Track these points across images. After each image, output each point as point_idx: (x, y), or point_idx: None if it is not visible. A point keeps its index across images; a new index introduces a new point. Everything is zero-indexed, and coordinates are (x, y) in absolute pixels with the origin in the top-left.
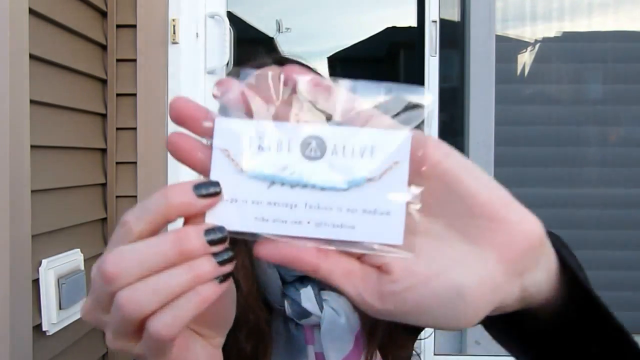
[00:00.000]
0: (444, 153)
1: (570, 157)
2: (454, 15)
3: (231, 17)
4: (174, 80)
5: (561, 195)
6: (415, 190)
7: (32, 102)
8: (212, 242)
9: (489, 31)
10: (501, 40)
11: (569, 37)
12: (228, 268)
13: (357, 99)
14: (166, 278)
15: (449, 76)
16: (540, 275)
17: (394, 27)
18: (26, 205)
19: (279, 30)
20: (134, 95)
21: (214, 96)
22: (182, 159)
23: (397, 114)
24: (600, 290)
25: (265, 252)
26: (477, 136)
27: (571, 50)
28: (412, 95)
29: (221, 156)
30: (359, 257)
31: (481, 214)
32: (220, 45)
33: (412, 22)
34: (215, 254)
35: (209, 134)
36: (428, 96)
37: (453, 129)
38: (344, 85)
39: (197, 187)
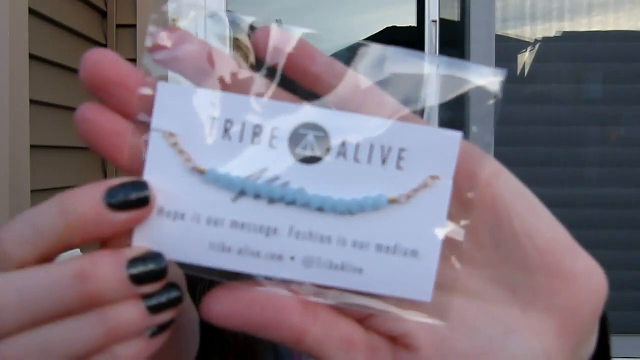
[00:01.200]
0: (494, 170)
1: (570, 157)
2: (454, 15)
3: None
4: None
5: (561, 195)
6: (458, 223)
7: (32, 102)
8: (139, 279)
9: (489, 31)
10: (501, 40)
11: (569, 37)
12: (167, 316)
13: (362, 78)
14: (62, 332)
15: None
16: (592, 344)
17: (394, 27)
18: (26, 205)
19: None
20: None
21: (153, 49)
22: (99, 147)
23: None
24: None
25: (219, 309)
26: None
27: (571, 50)
28: (476, 76)
29: (163, 144)
30: (362, 321)
31: (540, 264)
32: (220, 45)
33: (412, 22)
34: (146, 297)
35: (145, 108)
36: (497, 78)
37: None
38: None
39: (111, 192)
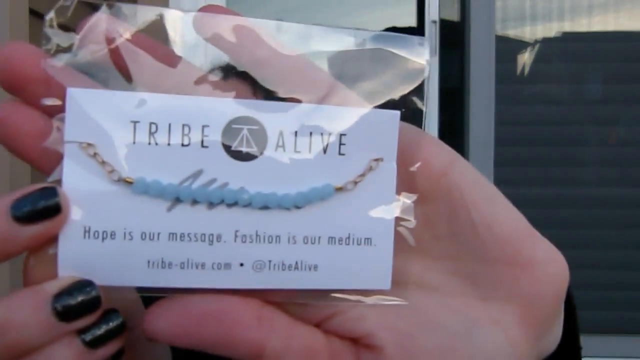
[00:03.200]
0: (448, 158)
1: (570, 157)
2: (454, 15)
3: None
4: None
5: (561, 195)
6: (406, 199)
7: None
8: (67, 315)
9: (489, 31)
10: (501, 40)
11: (569, 37)
12: (111, 347)
13: (304, 60)
14: None
15: (449, 76)
16: (557, 332)
17: (393, 27)
18: None
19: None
20: None
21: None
22: (17, 150)
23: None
24: (599, 290)
25: (165, 327)
26: (477, 136)
27: (571, 50)
28: (402, 49)
29: (81, 155)
30: (319, 324)
31: (499, 253)
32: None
33: (412, 22)
34: (80, 331)
35: (56, 115)
36: (424, 50)
37: (453, 129)
38: (289, 32)
39: (16, 204)
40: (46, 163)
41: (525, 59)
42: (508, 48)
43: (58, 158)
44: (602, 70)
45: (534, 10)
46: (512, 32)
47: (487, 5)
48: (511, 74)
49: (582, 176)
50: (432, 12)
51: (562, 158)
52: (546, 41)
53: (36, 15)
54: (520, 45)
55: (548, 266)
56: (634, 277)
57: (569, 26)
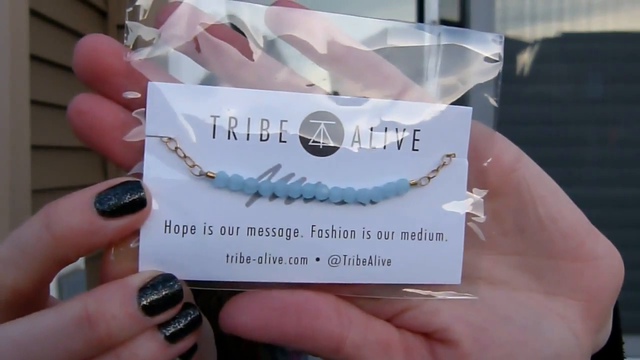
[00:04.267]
0: (516, 155)
1: (570, 157)
2: (454, 15)
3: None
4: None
5: None
6: (477, 194)
7: (32, 102)
8: (152, 309)
9: (489, 31)
10: None
11: (569, 37)
12: (189, 341)
13: (378, 56)
14: None
15: None
16: (609, 327)
17: None
18: (26, 205)
19: None
20: None
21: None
22: (97, 143)
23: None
24: None
25: (247, 321)
26: None
27: (571, 50)
28: (476, 45)
29: (161, 149)
30: (392, 320)
31: (564, 248)
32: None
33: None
34: (161, 325)
35: (136, 109)
36: (498, 47)
37: None
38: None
39: (101, 197)
40: (125, 157)
41: (525, 59)
42: (508, 48)
43: (137, 152)
44: (602, 70)
45: (533, 10)
46: (512, 32)
47: (487, 5)
48: (511, 74)
49: (582, 176)
50: (432, 12)
51: (562, 158)
52: (546, 41)
53: (36, 15)
54: (520, 45)
55: (608, 260)
56: (634, 277)
57: (568, 26)
